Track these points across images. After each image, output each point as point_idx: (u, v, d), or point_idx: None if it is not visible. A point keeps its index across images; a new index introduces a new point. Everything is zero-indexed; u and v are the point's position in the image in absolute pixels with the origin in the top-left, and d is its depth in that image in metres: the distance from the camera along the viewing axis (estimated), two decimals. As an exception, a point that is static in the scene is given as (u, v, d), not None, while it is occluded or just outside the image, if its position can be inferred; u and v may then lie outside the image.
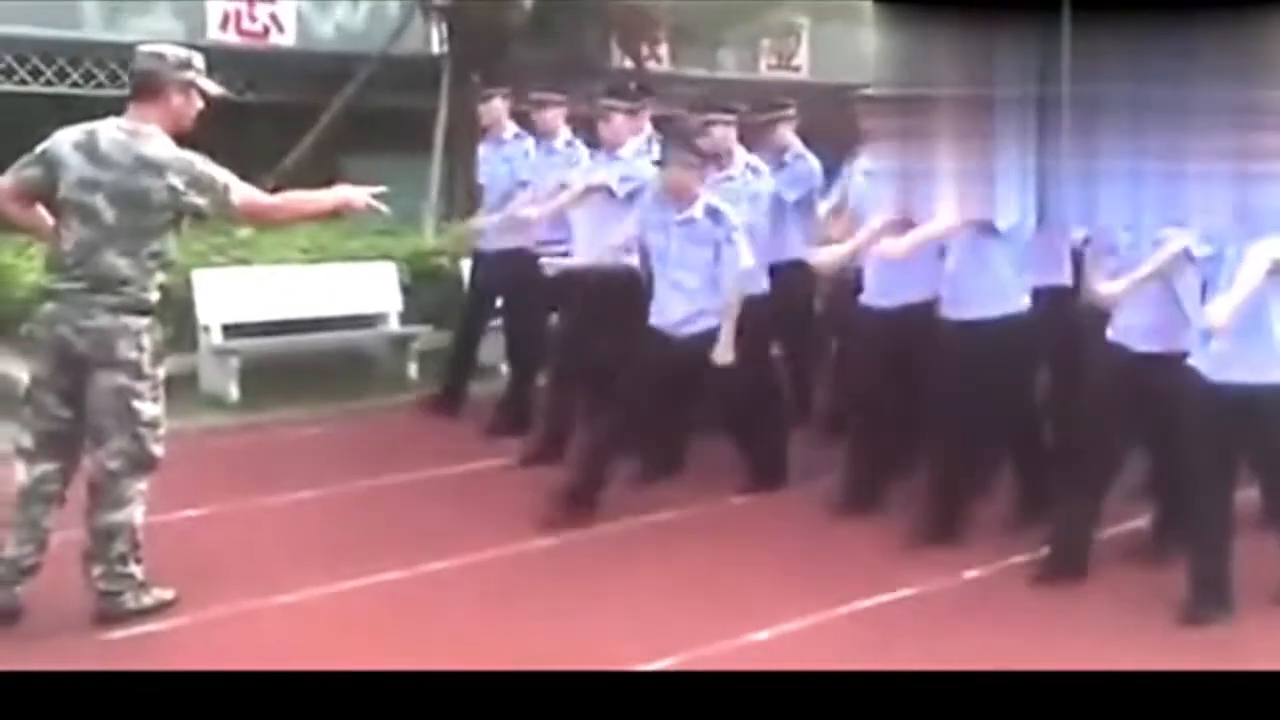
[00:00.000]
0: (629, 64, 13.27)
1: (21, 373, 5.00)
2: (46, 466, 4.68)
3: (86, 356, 4.59)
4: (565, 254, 7.08)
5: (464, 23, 11.97)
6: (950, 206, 5.43)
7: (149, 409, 4.67)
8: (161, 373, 4.76)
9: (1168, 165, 4.96)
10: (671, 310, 6.13)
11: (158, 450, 4.72)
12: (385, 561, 5.38)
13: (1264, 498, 5.56)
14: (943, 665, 4.16)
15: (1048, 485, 5.81)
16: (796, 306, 7.26)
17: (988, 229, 5.45)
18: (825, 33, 14.50)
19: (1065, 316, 5.81)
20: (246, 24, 12.53)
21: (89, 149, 4.59)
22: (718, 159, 6.69)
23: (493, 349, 8.43)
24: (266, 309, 8.80)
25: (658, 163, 6.26)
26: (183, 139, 4.74)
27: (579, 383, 6.95)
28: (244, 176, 4.87)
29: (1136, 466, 5.75)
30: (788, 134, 7.37)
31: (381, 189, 5.04)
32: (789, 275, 6.92)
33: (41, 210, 4.72)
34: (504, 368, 8.30)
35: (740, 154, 6.81)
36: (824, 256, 6.15)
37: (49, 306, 4.65)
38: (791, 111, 7.46)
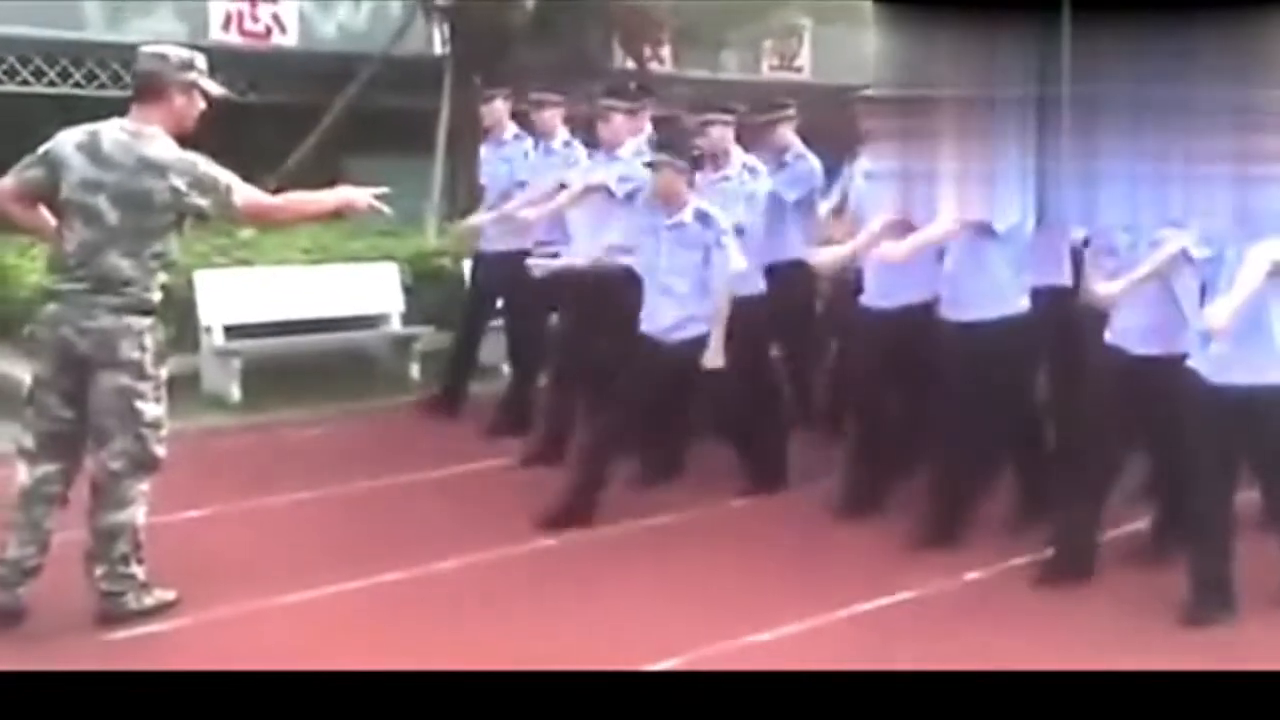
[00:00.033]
0: (631, 65, 13.27)
1: (24, 373, 5.01)
2: (48, 467, 4.68)
3: (89, 357, 4.59)
4: (555, 255, 7.09)
5: (466, 23, 11.98)
6: (950, 208, 5.44)
7: (151, 409, 4.68)
8: (164, 373, 4.76)
9: (1167, 166, 4.96)
10: (662, 316, 6.13)
11: (160, 451, 4.73)
12: (386, 562, 5.38)
13: (1264, 499, 5.56)
14: (943, 668, 4.16)
15: (1048, 487, 5.81)
16: (797, 307, 7.26)
17: (986, 230, 5.46)
18: (827, 34, 14.49)
19: (1065, 317, 5.80)
20: (249, 24, 12.55)
21: (91, 150, 4.60)
22: (714, 159, 6.69)
23: (493, 349, 8.44)
24: (268, 310, 8.80)
25: (648, 165, 6.26)
26: (185, 140, 4.75)
27: (579, 383, 6.96)
28: (246, 177, 4.87)
29: (1136, 468, 5.75)
30: (788, 134, 7.37)
31: (383, 189, 5.05)
32: (789, 275, 6.91)
33: (44, 211, 4.73)
34: (505, 368, 8.30)
35: (738, 154, 6.81)
36: (824, 257, 6.15)
37: (51, 307, 4.66)
38: (792, 111, 7.45)
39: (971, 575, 5.38)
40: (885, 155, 5.97)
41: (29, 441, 4.70)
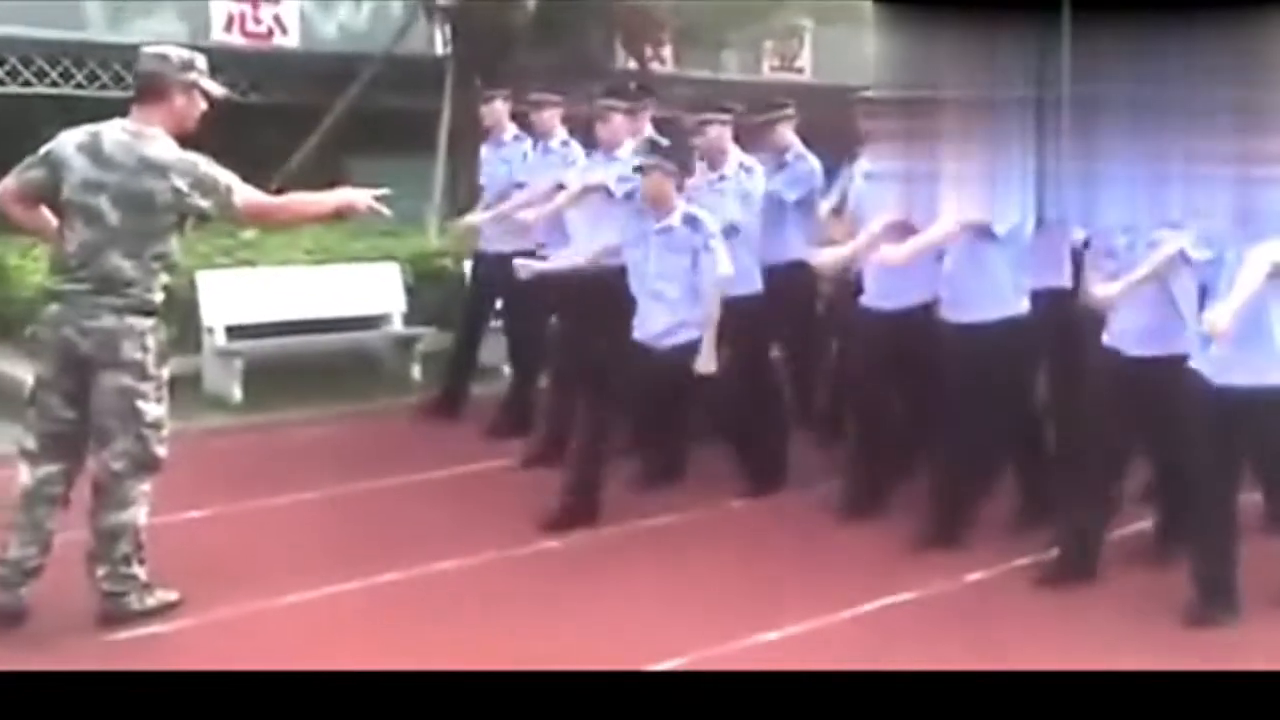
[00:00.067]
0: (633, 65, 13.27)
1: (26, 374, 5.01)
2: (50, 468, 4.69)
3: (91, 358, 4.60)
4: (543, 257, 7.09)
5: (467, 24, 11.97)
6: (949, 210, 5.43)
7: (153, 410, 4.68)
8: (165, 374, 4.77)
9: (1168, 167, 4.96)
10: (652, 322, 6.11)
11: (161, 451, 4.73)
12: (388, 563, 5.39)
13: (1266, 500, 5.57)
14: (946, 669, 4.16)
15: (1049, 488, 5.81)
16: (798, 307, 7.26)
17: (986, 232, 5.45)
18: (828, 34, 14.49)
19: (1065, 319, 5.80)
20: (250, 25, 12.55)
21: (93, 151, 4.61)
22: (712, 158, 6.69)
23: (494, 350, 8.44)
24: (270, 310, 8.81)
25: (636, 169, 6.25)
26: (186, 140, 4.75)
27: (580, 384, 6.95)
28: (247, 178, 4.88)
29: (1139, 470, 5.74)
30: (788, 134, 7.36)
31: (384, 190, 5.05)
32: (790, 276, 6.91)
33: (45, 212, 4.74)
34: (506, 369, 8.30)
35: (735, 154, 6.81)
36: (825, 258, 6.15)
37: (53, 308, 4.66)
38: (791, 111, 7.45)
39: (973, 576, 5.38)
40: (885, 156, 5.97)
41: (31, 442, 4.70)
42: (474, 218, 8.11)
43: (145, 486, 4.72)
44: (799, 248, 6.97)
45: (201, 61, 4.80)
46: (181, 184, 4.60)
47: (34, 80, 11.94)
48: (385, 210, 5.05)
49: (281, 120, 11.95)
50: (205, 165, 4.69)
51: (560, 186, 7.23)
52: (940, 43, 5.42)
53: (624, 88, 7.72)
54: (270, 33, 12.68)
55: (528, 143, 7.85)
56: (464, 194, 10.98)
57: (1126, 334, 5.20)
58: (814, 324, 7.55)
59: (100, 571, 4.71)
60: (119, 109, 4.81)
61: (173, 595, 4.87)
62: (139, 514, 4.72)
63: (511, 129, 7.98)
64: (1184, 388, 4.86)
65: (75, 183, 4.59)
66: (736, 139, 6.85)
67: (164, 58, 4.75)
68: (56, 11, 11.50)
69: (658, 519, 6.10)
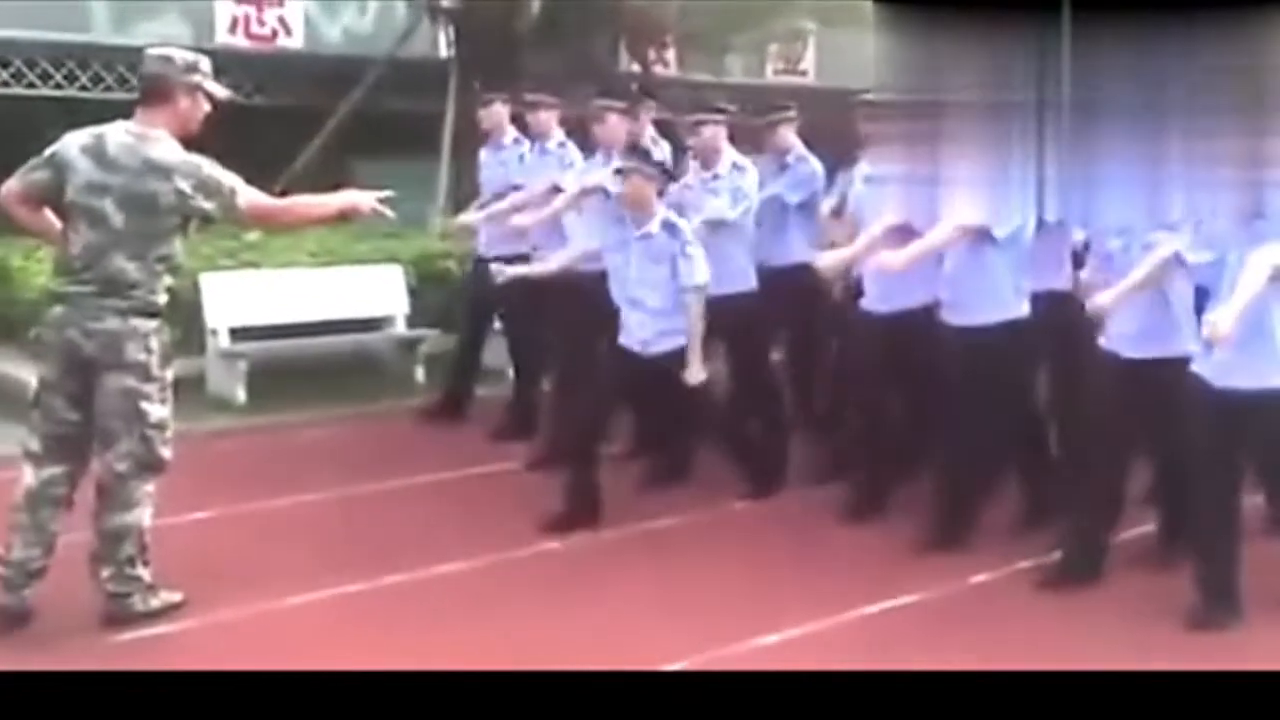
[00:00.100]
0: (636, 68, 13.27)
1: (30, 376, 5.02)
2: (54, 469, 4.70)
3: (95, 359, 4.61)
4: (540, 259, 7.08)
5: (471, 26, 11.98)
6: (949, 213, 5.43)
7: (157, 411, 4.69)
8: (169, 375, 4.78)
9: (1168, 170, 4.96)
10: (636, 329, 6.11)
11: (165, 452, 4.74)
12: (391, 564, 5.40)
13: (1268, 503, 5.56)
14: (948, 669, 4.16)
15: (1051, 490, 5.81)
16: (799, 309, 7.25)
17: (986, 235, 5.45)
18: (832, 38, 14.49)
19: (1065, 321, 5.79)
20: (254, 27, 12.58)
21: (97, 152, 4.62)
22: (706, 158, 6.70)
23: (498, 353, 8.44)
24: (274, 312, 8.82)
25: (617, 171, 6.23)
26: (190, 142, 4.76)
27: (582, 387, 6.95)
28: (252, 180, 4.88)
29: (1142, 472, 5.74)
30: (789, 136, 7.37)
31: (388, 193, 5.05)
32: (792, 277, 6.91)
33: (49, 213, 4.75)
34: (510, 372, 8.30)
35: (728, 152, 6.81)
36: (827, 260, 6.15)
37: (57, 310, 4.67)
38: (792, 113, 7.46)
39: (977, 578, 5.38)
40: (885, 159, 5.97)
41: (35, 444, 4.71)
42: (467, 217, 8.12)
43: (149, 488, 4.74)
44: (801, 250, 6.97)
45: (206, 64, 4.81)
46: (185, 186, 4.61)
47: (38, 82, 11.97)
48: (389, 212, 5.05)
49: (286, 122, 11.95)
50: (209, 167, 4.70)
51: (556, 188, 7.23)
52: (940, 45, 5.43)
53: (620, 88, 7.71)
54: (274, 35, 12.70)
55: (526, 145, 7.84)
56: (467, 196, 10.97)
57: (1123, 337, 5.19)
58: (816, 326, 7.54)
59: (104, 573, 4.72)
60: (123, 111, 4.82)
61: (177, 596, 4.88)
62: (143, 515, 4.73)
63: (511, 132, 7.97)
64: (1183, 390, 4.86)
65: (79, 185, 4.60)
66: (732, 139, 6.87)
67: (168, 60, 4.76)
68: (61, 14, 11.53)
69: (658, 521, 6.10)
